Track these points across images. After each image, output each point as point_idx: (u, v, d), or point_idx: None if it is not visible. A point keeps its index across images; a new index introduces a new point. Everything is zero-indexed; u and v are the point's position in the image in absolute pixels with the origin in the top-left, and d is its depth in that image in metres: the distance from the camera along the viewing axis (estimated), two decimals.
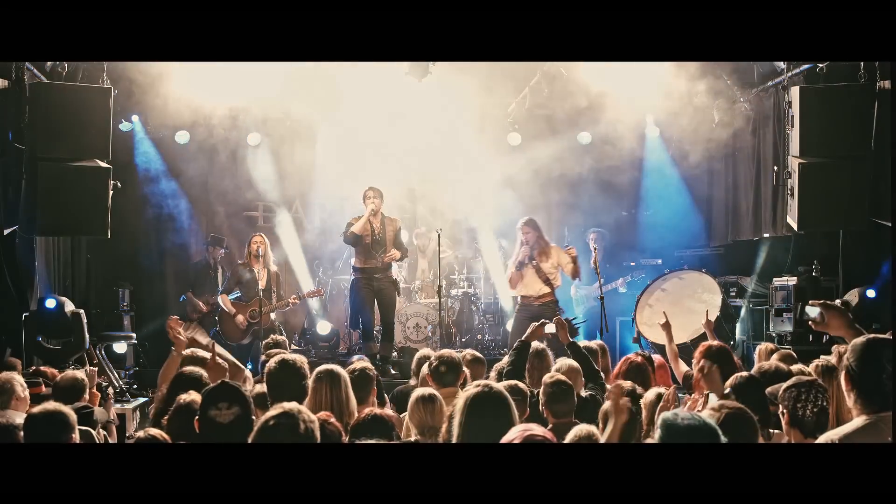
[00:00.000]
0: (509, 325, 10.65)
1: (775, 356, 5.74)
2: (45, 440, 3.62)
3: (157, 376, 5.28)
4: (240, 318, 9.73)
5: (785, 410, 3.83)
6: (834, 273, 8.53)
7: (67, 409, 3.78)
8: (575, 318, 8.82)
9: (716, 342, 5.27)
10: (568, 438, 3.59)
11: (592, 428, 3.75)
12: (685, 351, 7.44)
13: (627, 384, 4.77)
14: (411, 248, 10.81)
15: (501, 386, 3.81)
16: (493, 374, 5.62)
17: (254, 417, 3.53)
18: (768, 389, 4.31)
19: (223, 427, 3.46)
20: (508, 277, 9.25)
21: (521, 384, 4.77)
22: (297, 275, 11.60)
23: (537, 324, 5.80)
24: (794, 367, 5.07)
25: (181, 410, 4.05)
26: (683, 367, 5.94)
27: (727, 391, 4.10)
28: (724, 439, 2.74)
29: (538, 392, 4.79)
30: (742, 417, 3.33)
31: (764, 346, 6.51)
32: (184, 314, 10.46)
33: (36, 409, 3.83)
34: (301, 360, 4.52)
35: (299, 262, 11.69)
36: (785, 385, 3.92)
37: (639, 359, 5.48)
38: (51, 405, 3.83)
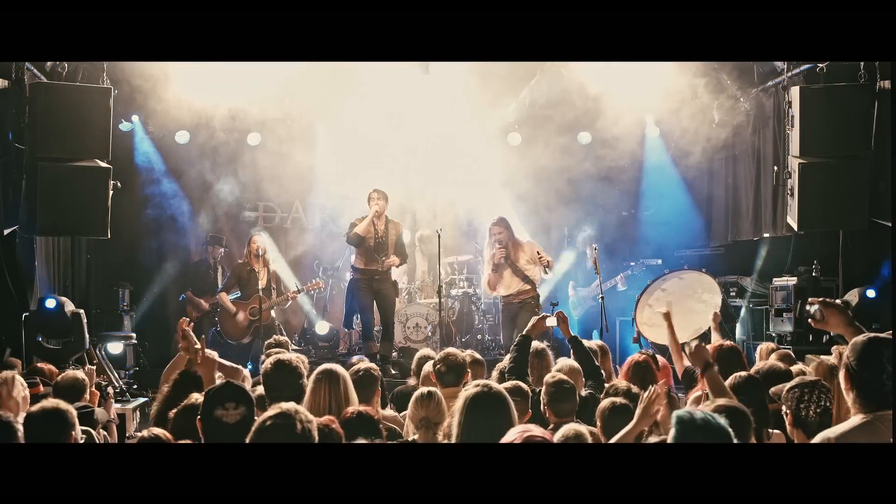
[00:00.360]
0: None
1: (773, 356, 5.75)
2: (46, 439, 3.59)
3: (160, 376, 5.25)
4: (241, 315, 9.74)
5: (788, 410, 3.82)
6: (834, 273, 8.53)
7: (67, 406, 3.73)
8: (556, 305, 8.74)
9: (727, 342, 5.27)
10: (556, 438, 3.59)
11: (582, 427, 3.75)
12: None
13: (623, 384, 4.79)
14: (411, 251, 10.79)
15: (501, 386, 3.80)
16: (494, 373, 5.60)
17: (256, 418, 3.53)
18: (772, 389, 4.30)
19: (230, 427, 3.45)
20: (486, 281, 9.12)
21: (522, 384, 4.76)
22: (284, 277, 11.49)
23: (538, 317, 5.76)
24: (795, 368, 5.08)
25: (189, 410, 4.03)
26: (686, 362, 5.93)
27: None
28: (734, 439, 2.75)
29: (539, 391, 4.79)
30: (737, 415, 3.33)
31: (765, 345, 6.52)
32: (184, 314, 10.47)
33: (35, 408, 3.79)
34: (297, 359, 4.51)
35: (285, 266, 11.60)
36: (789, 385, 3.91)
37: (642, 357, 5.47)
38: (50, 403, 3.78)
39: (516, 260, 8.89)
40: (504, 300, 9.08)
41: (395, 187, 10.93)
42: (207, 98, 9.84)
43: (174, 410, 4.17)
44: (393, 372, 8.94)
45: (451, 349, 5.46)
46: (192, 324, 5.26)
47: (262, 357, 6.48)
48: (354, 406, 4.26)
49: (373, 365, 5.29)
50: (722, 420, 2.76)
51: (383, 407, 5.40)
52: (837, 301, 6.06)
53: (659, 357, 6.03)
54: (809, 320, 3.97)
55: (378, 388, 5.11)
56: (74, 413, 3.73)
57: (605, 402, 4.30)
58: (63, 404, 3.75)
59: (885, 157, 7.29)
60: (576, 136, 11.58)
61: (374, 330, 9.36)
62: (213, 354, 4.76)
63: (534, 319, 5.75)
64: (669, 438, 2.76)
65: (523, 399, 4.52)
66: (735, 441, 2.75)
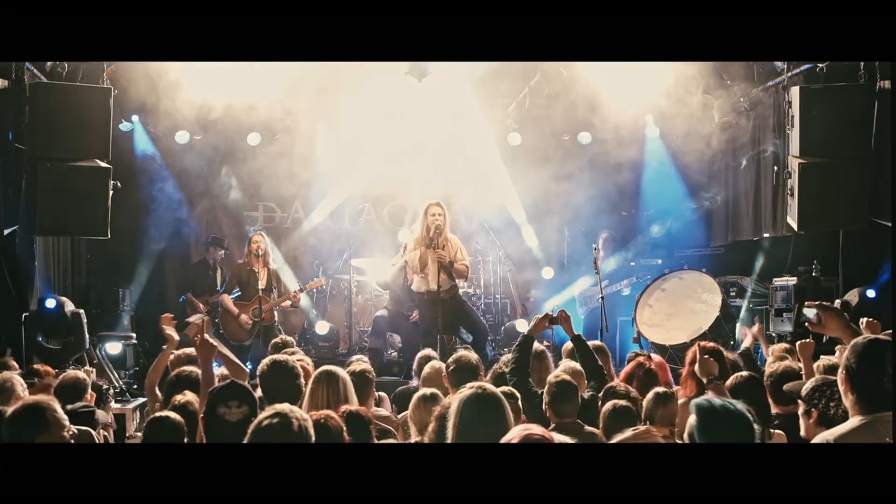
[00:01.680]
0: (513, 326, 10.62)
1: (778, 349, 5.79)
2: (23, 435, 3.47)
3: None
4: (243, 317, 9.71)
5: (814, 409, 3.70)
6: (834, 273, 8.53)
7: (47, 404, 3.57)
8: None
9: (710, 343, 5.25)
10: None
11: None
12: (685, 351, 7.44)
13: (622, 386, 4.81)
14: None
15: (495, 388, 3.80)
16: (490, 374, 5.61)
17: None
18: (786, 386, 4.23)
19: (232, 426, 3.45)
20: (418, 258, 8.49)
21: (513, 388, 4.76)
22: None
23: (540, 316, 5.74)
24: (818, 364, 5.06)
25: (175, 411, 4.04)
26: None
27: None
28: (757, 429, 2.77)
29: (541, 392, 4.79)
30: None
31: (778, 346, 6.44)
32: (184, 315, 10.46)
33: (17, 405, 3.66)
34: (294, 360, 4.50)
35: (285, 266, 11.57)
36: (813, 384, 3.78)
37: (648, 363, 5.45)
38: (31, 399, 3.69)
39: (441, 252, 8.33)
40: (430, 295, 8.46)
41: (395, 186, 10.95)
42: (207, 97, 9.84)
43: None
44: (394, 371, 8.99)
45: (463, 352, 5.50)
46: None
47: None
48: (347, 406, 4.26)
49: (367, 366, 5.33)
50: (741, 405, 2.76)
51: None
52: (835, 303, 6.07)
53: (655, 356, 6.03)
54: (806, 324, 3.93)
55: (373, 390, 5.15)
56: (58, 411, 3.56)
57: (607, 406, 4.33)
58: (45, 400, 3.61)
59: (885, 157, 7.29)
60: (576, 136, 11.57)
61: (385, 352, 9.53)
62: (214, 341, 4.60)
63: (536, 318, 5.73)
64: (688, 428, 2.76)
65: (515, 402, 4.51)
66: (756, 428, 2.75)
